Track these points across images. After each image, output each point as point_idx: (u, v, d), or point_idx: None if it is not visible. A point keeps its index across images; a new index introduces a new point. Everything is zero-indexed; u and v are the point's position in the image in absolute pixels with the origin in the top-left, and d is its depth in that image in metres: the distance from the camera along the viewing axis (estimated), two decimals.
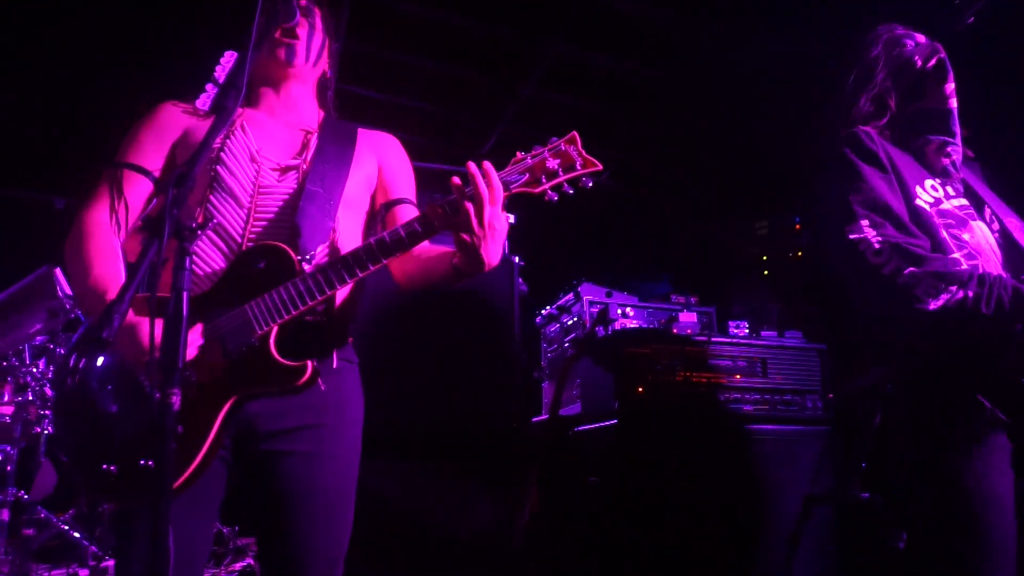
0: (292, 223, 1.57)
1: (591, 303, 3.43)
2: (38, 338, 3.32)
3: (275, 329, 1.48)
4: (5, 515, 3.53)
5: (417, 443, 2.86)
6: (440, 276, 1.62)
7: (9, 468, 3.46)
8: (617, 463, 2.77)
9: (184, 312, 1.12)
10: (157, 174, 1.65)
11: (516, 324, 3.24)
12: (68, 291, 2.98)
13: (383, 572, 2.68)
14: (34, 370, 3.53)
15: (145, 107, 1.69)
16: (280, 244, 1.53)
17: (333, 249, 1.63)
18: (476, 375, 3.09)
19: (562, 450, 3.14)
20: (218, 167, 1.60)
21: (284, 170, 1.65)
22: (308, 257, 1.55)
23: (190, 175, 1.18)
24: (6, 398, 3.75)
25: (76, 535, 3.63)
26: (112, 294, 1.48)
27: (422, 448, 2.88)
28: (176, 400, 1.10)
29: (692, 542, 2.75)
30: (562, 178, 1.54)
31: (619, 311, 3.39)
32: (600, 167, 1.57)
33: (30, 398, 3.48)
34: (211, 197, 1.59)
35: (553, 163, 1.53)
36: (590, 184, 1.58)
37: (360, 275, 1.49)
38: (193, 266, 1.51)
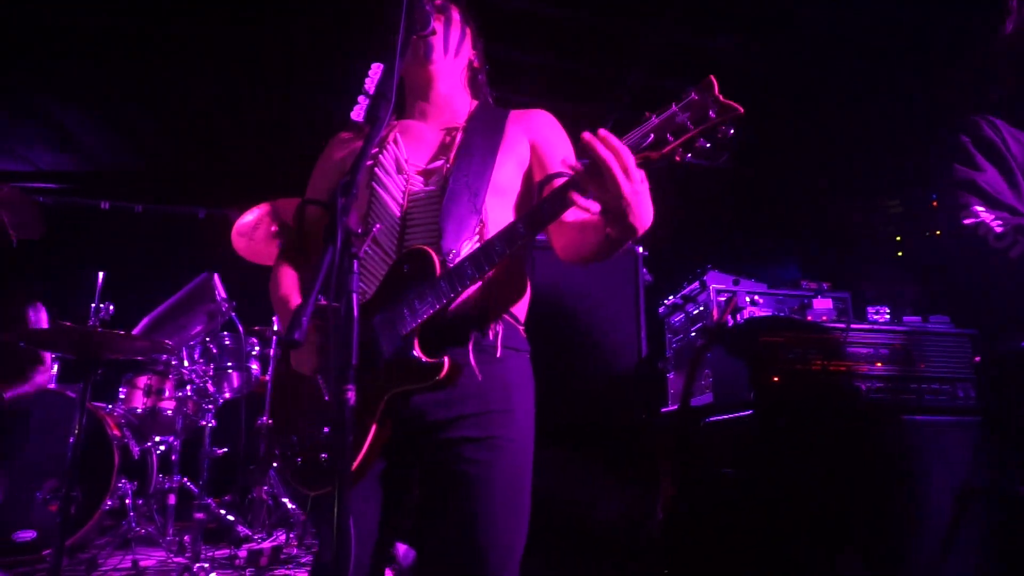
0: (436, 225, 1.64)
1: (718, 291, 3.35)
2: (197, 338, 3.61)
3: (417, 329, 1.54)
4: (172, 500, 3.87)
5: (547, 433, 2.90)
6: (595, 246, 1.59)
7: (174, 458, 3.78)
8: (753, 454, 2.70)
9: (355, 313, 1.19)
10: (325, 199, 1.80)
11: (641, 314, 3.23)
12: (224, 295, 3.21)
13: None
14: (187, 364, 3.84)
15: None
16: (422, 247, 1.58)
17: (482, 241, 1.64)
18: (602, 366, 3.10)
19: (693, 441, 3.09)
20: (374, 184, 1.71)
21: (428, 174, 1.71)
22: (450, 255, 1.59)
23: (353, 182, 1.25)
24: (167, 394, 4.10)
25: (231, 519, 3.93)
26: (292, 304, 1.68)
27: (552, 439, 2.91)
28: (351, 395, 1.18)
29: (833, 539, 2.65)
30: (692, 132, 1.38)
31: (748, 299, 3.29)
32: (740, 109, 1.36)
33: (189, 394, 3.78)
34: (372, 212, 1.70)
35: (682, 117, 1.37)
36: (731, 132, 1.37)
37: (488, 270, 1.50)
38: (364, 274, 1.66)
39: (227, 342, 3.87)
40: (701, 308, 3.46)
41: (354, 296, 1.21)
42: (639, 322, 3.20)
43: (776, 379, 2.67)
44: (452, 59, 1.80)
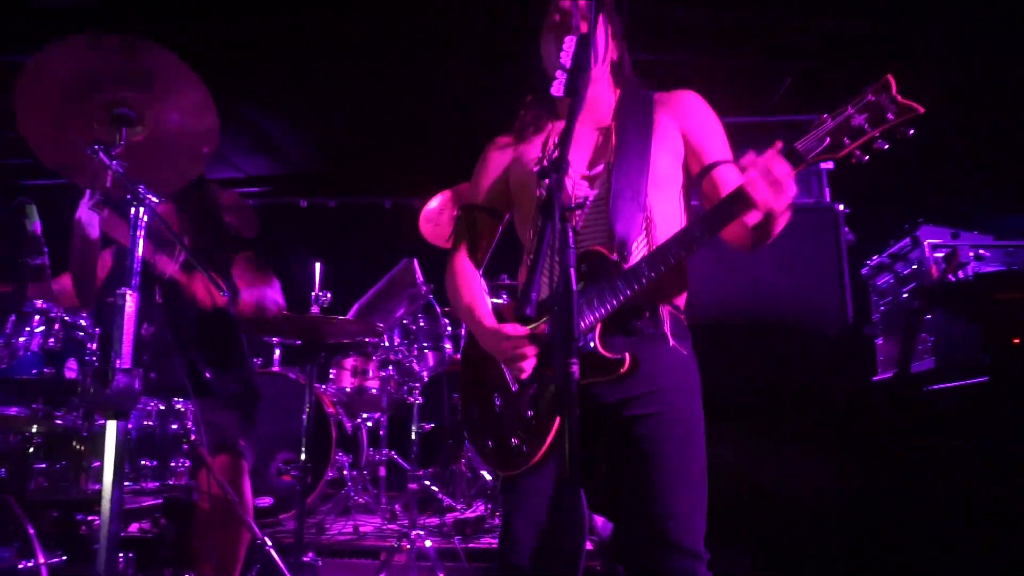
0: (607, 225, 1.69)
1: (933, 247, 3.04)
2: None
3: (597, 326, 1.62)
4: (383, 472, 4.18)
5: (746, 406, 2.79)
6: (738, 241, 1.70)
7: (382, 433, 4.08)
8: (989, 424, 2.43)
9: (573, 287, 1.20)
10: (490, 204, 1.91)
11: (845, 276, 3.01)
12: (422, 279, 3.39)
13: (719, 534, 2.68)
14: (387, 345, 4.10)
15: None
16: (598, 248, 1.66)
17: (650, 236, 1.71)
18: (801, 334, 2.93)
19: (912, 411, 2.84)
20: (540, 190, 1.68)
21: (592, 179, 1.76)
22: (625, 254, 1.66)
23: (564, 158, 1.26)
24: (371, 374, 4.41)
25: (435, 489, 4.17)
26: (478, 312, 1.77)
27: (750, 413, 2.80)
28: (576, 370, 1.19)
29: None
30: (869, 134, 1.43)
31: (971, 253, 2.96)
32: (920, 110, 1.39)
33: (391, 373, 4.04)
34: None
35: (859, 119, 1.42)
36: (911, 132, 1.42)
37: (663, 271, 1.57)
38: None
39: (422, 323, 4.08)
40: (914, 267, 3.15)
41: (571, 271, 1.21)
42: (843, 285, 2.99)
43: (1016, 340, 2.38)
44: (599, 65, 1.80)
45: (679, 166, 1.79)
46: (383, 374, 4.12)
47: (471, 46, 4.62)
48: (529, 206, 1.79)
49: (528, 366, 1.64)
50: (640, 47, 1.92)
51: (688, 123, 1.79)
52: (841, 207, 3.03)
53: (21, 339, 1.76)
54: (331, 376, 4.48)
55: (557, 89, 1.38)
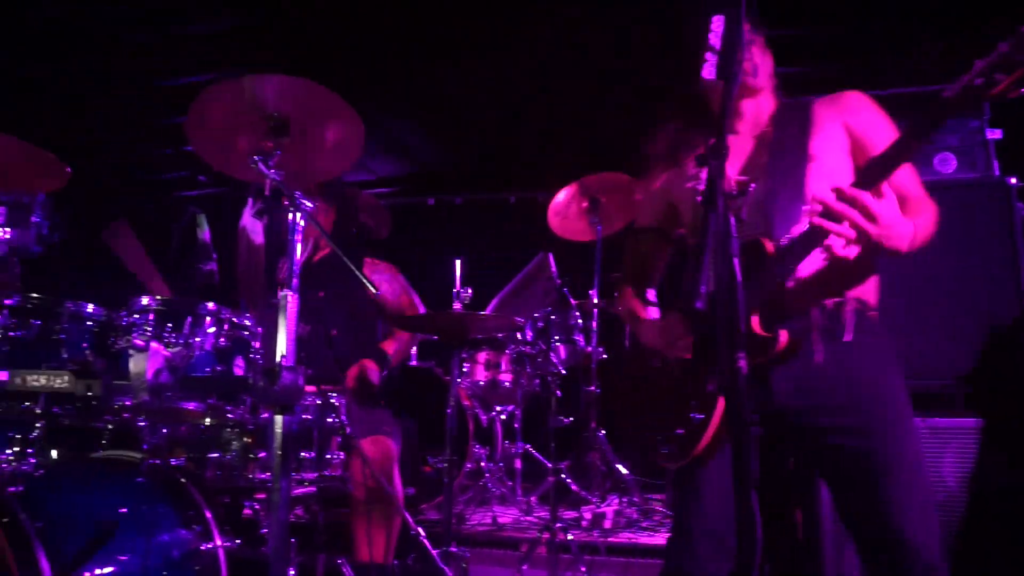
0: (764, 222, 1.65)
1: None
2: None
3: (755, 307, 1.57)
4: (518, 464, 4.23)
5: (922, 398, 2.60)
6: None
7: (516, 426, 4.13)
8: None
9: (738, 276, 1.14)
10: (661, 226, 1.97)
11: (1020, 256, 2.73)
12: (555, 272, 3.40)
13: None
14: (519, 338, 4.14)
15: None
16: (755, 237, 1.62)
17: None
18: (969, 322, 2.69)
19: None
20: (697, 199, 1.79)
21: (746, 184, 1.72)
22: (781, 242, 1.60)
23: (723, 143, 1.20)
24: (503, 367, 4.47)
25: (570, 483, 4.16)
26: (635, 306, 1.90)
27: (927, 404, 2.61)
28: (743, 364, 1.13)
29: None
30: None
31: None
32: None
33: (525, 366, 4.08)
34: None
35: (1015, 55, 1.30)
36: None
37: (818, 246, 1.51)
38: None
39: (553, 316, 4.09)
40: None
41: (735, 260, 1.16)
42: (1017, 266, 2.71)
43: None
44: (755, 77, 1.78)
45: (845, 158, 1.73)
46: (516, 368, 4.16)
47: (589, 37, 4.56)
48: (691, 220, 1.85)
49: (688, 355, 1.65)
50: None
51: (853, 119, 1.74)
52: (1014, 180, 2.76)
53: (197, 339, 1.89)
54: (464, 370, 4.58)
55: (708, 72, 1.33)
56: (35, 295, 2.03)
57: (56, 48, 4.65)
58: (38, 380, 1.76)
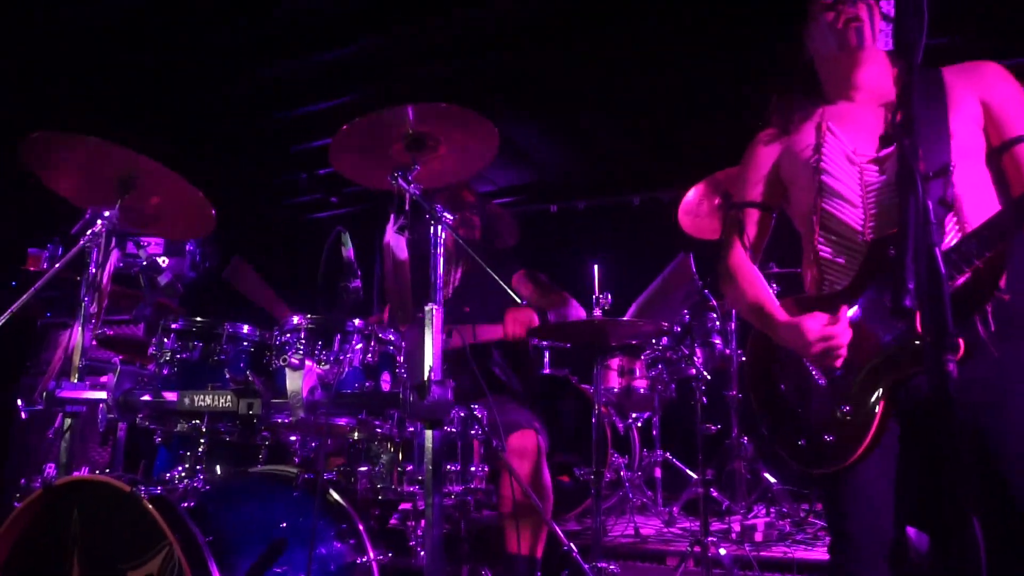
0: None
1: None
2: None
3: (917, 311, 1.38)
4: (658, 473, 4.09)
5: None
6: None
7: (655, 433, 3.99)
8: None
9: (942, 270, 1.00)
10: (762, 200, 1.85)
11: None
12: (695, 275, 3.26)
13: None
14: (655, 342, 4.01)
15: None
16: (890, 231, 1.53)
17: (960, 215, 1.55)
18: None
19: None
20: (823, 177, 1.69)
21: (882, 161, 1.63)
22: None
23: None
24: (637, 373, 4.35)
25: (713, 492, 3.98)
26: (766, 308, 1.73)
27: None
28: (953, 367, 0.99)
29: None
30: None
31: None
32: None
33: (661, 372, 3.94)
34: (822, 204, 1.69)
35: None
36: None
37: (988, 255, 1.40)
38: (828, 265, 1.70)
39: (687, 319, 3.93)
40: None
41: (937, 252, 1.02)
42: None
43: None
44: (876, 41, 1.65)
45: (981, 137, 1.62)
46: (652, 373, 4.03)
47: (706, 36, 4.38)
48: (804, 197, 1.75)
49: (840, 358, 1.56)
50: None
51: (988, 92, 1.61)
52: None
53: (346, 356, 1.92)
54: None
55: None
56: (198, 319, 2.14)
57: (181, 80, 4.97)
58: (204, 400, 1.84)
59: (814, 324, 1.57)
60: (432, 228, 1.81)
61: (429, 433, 1.73)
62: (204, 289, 5.43)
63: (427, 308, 1.76)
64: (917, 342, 1.47)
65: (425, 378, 1.67)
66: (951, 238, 1.53)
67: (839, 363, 1.57)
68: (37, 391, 2.18)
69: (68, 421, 2.23)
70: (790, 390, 1.70)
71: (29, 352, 3.91)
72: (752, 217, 1.87)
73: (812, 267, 1.75)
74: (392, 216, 1.84)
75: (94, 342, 2.49)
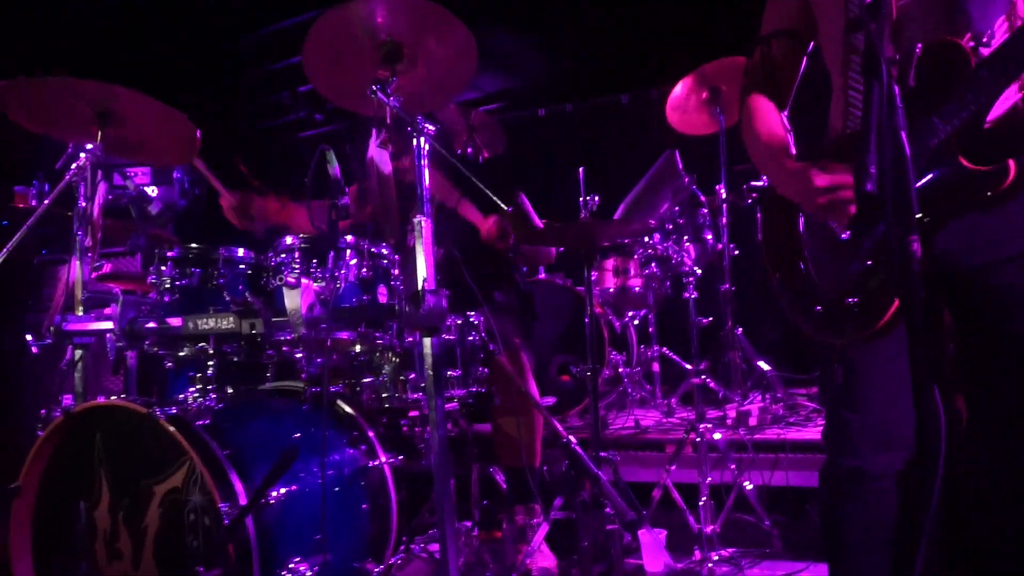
0: (950, 11, 1.34)
1: None
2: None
3: (955, 134, 1.28)
4: (656, 367, 4.22)
5: None
6: None
7: (651, 330, 4.10)
8: None
9: (907, 151, 1.03)
10: (788, 27, 1.63)
11: None
12: (682, 171, 3.26)
13: None
14: (648, 241, 4.05)
15: None
16: (945, 38, 1.30)
17: (1012, 16, 1.32)
18: None
19: None
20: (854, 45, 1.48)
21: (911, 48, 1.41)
22: (984, 40, 1.30)
23: (883, 2, 1.06)
24: (632, 272, 4.41)
25: (710, 383, 4.10)
26: (778, 151, 1.56)
27: None
28: (917, 247, 1.04)
29: None
30: None
31: None
32: None
33: (654, 270, 4.01)
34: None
35: None
36: None
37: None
38: (852, 96, 1.49)
39: (679, 217, 3.96)
40: None
41: (903, 135, 1.04)
42: None
43: None
44: None
45: None
46: (646, 272, 4.09)
47: None
48: (833, 18, 1.52)
49: (848, 210, 1.39)
50: None
51: None
52: None
53: (341, 272, 1.97)
54: (594, 278, 4.56)
55: None
56: (193, 245, 2.17)
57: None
58: (207, 323, 1.90)
59: (821, 172, 1.39)
60: (415, 140, 1.82)
61: (428, 341, 1.80)
62: (197, 215, 5.43)
63: (416, 220, 1.79)
64: (958, 170, 1.28)
65: (419, 288, 1.72)
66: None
67: (846, 216, 1.40)
68: (44, 326, 2.24)
69: (79, 352, 2.30)
70: (811, 253, 1.53)
71: (29, 290, 3.96)
72: (779, 48, 1.67)
73: (839, 100, 1.56)
74: (374, 131, 1.84)
75: (94, 275, 2.53)
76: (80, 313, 2.28)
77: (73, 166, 2.34)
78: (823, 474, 1.62)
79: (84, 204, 2.32)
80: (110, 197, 2.37)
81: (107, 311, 2.19)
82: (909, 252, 1.04)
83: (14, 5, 4.47)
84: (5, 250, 2.33)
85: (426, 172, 1.80)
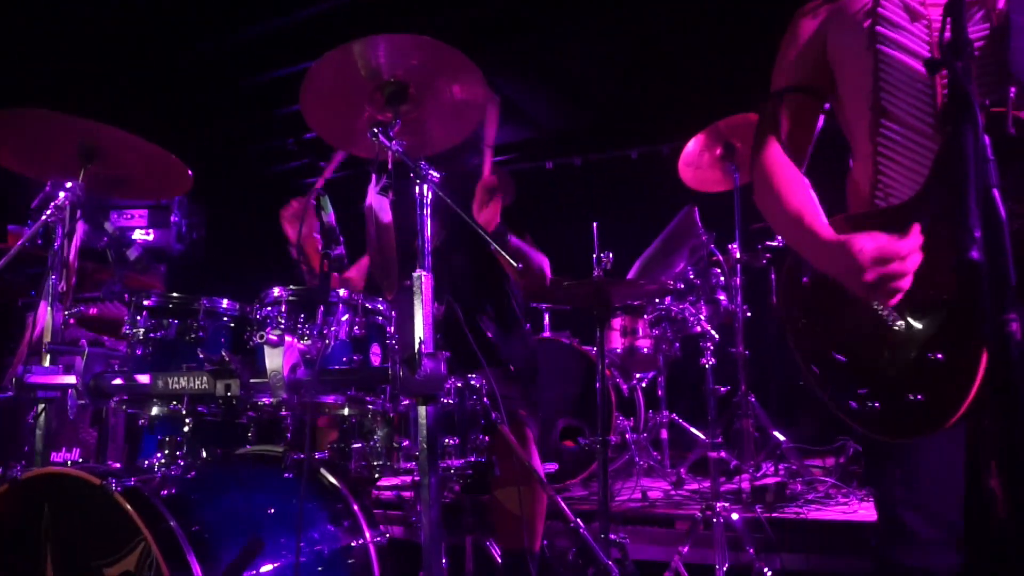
0: (1001, 74, 1.20)
1: None
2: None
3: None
4: (664, 434, 4.00)
5: None
6: None
7: (660, 393, 3.89)
8: None
9: (1002, 215, 0.86)
10: (805, 83, 1.51)
11: None
12: (701, 229, 3.11)
13: None
14: (657, 301, 3.89)
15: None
16: (999, 109, 1.12)
17: None
18: None
19: None
20: (879, 47, 1.35)
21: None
22: None
23: (964, 36, 0.91)
24: (640, 333, 4.23)
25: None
26: (807, 220, 1.38)
27: None
28: (1016, 327, 0.86)
29: None
30: None
31: None
32: None
33: (665, 331, 3.82)
34: (881, 77, 1.35)
35: None
36: None
37: None
38: (892, 166, 1.35)
39: (691, 276, 3.80)
40: None
41: (995, 192, 0.87)
42: None
43: None
44: None
45: None
46: (655, 332, 3.91)
47: None
48: (858, 77, 1.41)
49: (900, 292, 1.21)
50: None
51: None
52: None
53: (331, 329, 1.79)
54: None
55: None
56: (173, 294, 2.00)
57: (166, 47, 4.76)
58: (179, 382, 1.71)
59: (868, 243, 1.21)
60: (417, 188, 1.66)
61: (423, 409, 1.61)
62: (193, 262, 5.28)
63: (415, 275, 1.62)
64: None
65: (416, 351, 1.54)
66: None
67: (897, 297, 1.22)
68: (7, 377, 2.05)
69: (42, 407, 2.11)
70: (852, 335, 1.34)
71: (10, 333, 3.78)
72: (793, 106, 1.53)
73: (866, 168, 1.40)
74: (373, 176, 1.68)
75: (72, 321, 2.35)
76: (47, 364, 2.10)
77: (51, 205, 2.18)
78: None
79: (59, 245, 2.16)
80: (87, 239, 2.20)
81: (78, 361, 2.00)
82: (1006, 334, 0.86)
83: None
84: None
85: (428, 223, 1.64)
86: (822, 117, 1.58)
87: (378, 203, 1.62)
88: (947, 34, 0.92)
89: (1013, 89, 1.10)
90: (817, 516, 3.08)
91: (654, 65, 5.17)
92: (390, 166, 1.71)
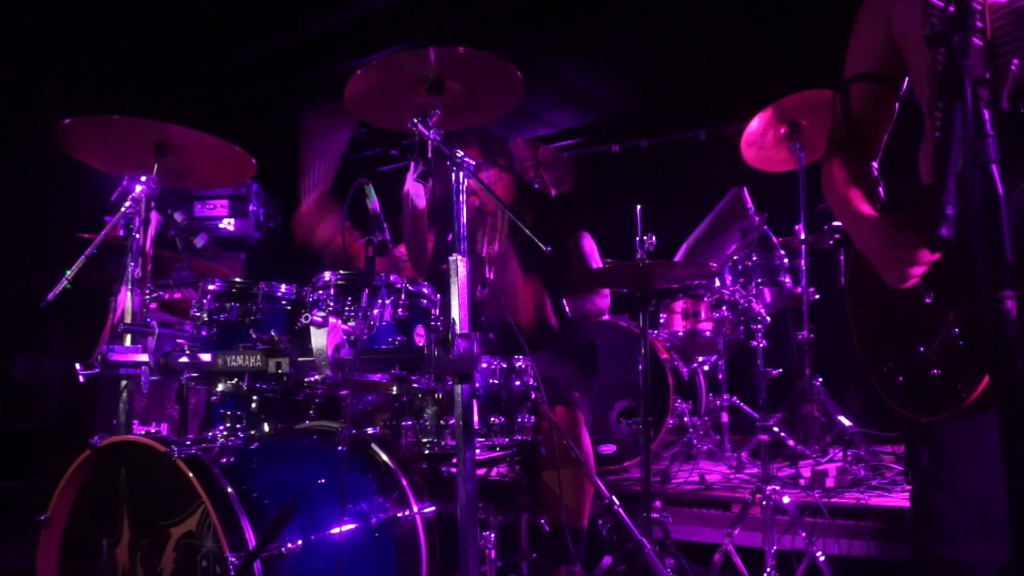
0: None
1: None
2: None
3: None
4: (724, 418, 3.96)
5: None
6: None
7: (720, 377, 3.86)
8: None
9: (999, 190, 0.85)
10: (876, 69, 1.47)
11: None
12: (753, 208, 3.07)
13: None
14: (718, 284, 3.84)
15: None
16: None
17: None
18: None
19: None
20: (934, 20, 1.29)
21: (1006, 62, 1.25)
22: None
23: (967, 8, 0.89)
24: (703, 316, 4.19)
25: (783, 436, 3.82)
26: (854, 201, 1.38)
27: None
28: (1011, 304, 0.85)
29: None
30: None
31: None
32: None
33: (725, 314, 3.78)
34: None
35: None
36: None
37: None
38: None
39: (755, 258, 3.73)
40: None
41: (993, 168, 0.86)
42: None
43: None
44: None
45: None
46: (716, 315, 3.87)
47: None
48: (918, 53, 1.37)
49: (913, 277, 1.22)
50: None
51: None
52: None
53: (375, 311, 1.88)
54: (661, 320, 4.35)
55: None
56: (236, 280, 2.14)
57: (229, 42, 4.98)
58: (236, 360, 1.84)
59: (889, 224, 1.23)
60: (453, 175, 1.72)
61: (458, 388, 1.68)
62: (271, 249, 5.54)
63: (452, 259, 1.68)
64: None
65: (449, 331, 1.61)
66: None
67: (910, 282, 1.22)
68: (94, 355, 2.25)
69: (124, 382, 2.30)
70: (893, 313, 1.35)
71: (106, 315, 4.08)
72: (862, 93, 1.50)
73: (927, 145, 1.40)
74: (412, 164, 1.75)
75: (153, 305, 2.54)
76: (128, 344, 2.28)
77: (129, 198, 2.37)
78: (908, 565, 1.40)
79: (137, 236, 2.34)
80: (161, 229, 2.38)
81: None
82: (1001, 311, 0.85)
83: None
84: (64, 278, 2.38)
85: (464, 209, 1.70)
86: (896, 101, 1.54)
87: (414, 190, 1.69)
88: (950, 7, 0.91)
89: (1015, 61, 1.06)
90: (878, 502, 3.00)
91: (718, 43, 5.06)
92: (428, 153, 1.78)
